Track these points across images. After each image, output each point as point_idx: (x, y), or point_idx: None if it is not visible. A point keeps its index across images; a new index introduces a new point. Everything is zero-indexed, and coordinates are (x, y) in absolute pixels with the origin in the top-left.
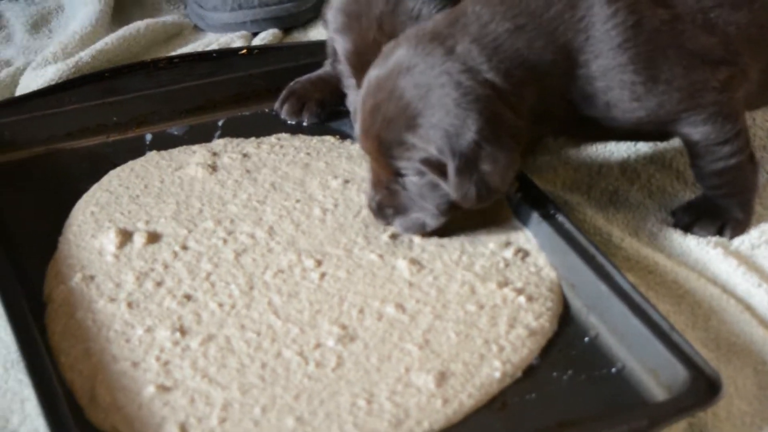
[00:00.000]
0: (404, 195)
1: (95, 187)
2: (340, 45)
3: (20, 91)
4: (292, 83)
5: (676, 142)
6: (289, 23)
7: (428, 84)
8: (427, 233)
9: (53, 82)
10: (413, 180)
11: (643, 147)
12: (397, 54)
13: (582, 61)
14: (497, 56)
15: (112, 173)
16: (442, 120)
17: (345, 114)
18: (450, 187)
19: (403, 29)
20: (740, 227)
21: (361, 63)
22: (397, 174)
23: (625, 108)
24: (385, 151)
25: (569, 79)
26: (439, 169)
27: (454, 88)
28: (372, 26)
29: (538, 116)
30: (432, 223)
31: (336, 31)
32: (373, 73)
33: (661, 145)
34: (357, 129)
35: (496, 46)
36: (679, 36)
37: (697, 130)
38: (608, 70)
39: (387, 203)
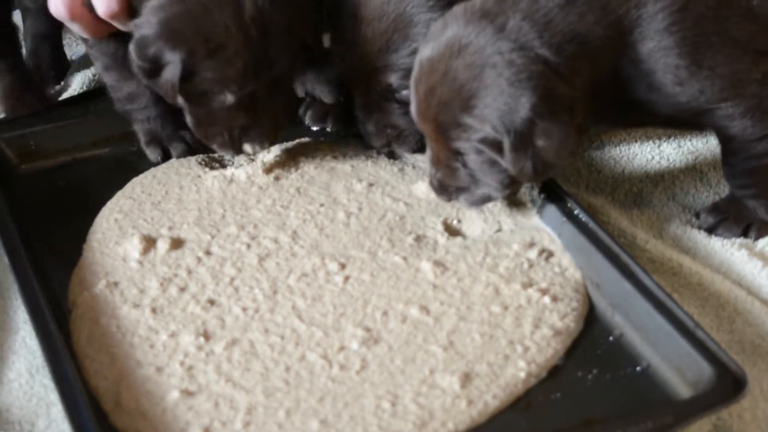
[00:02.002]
0: (464, 172)
1: (119, 194)
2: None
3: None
4: None
5: (699, 144)
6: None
7: (481, 64)
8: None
9: (77, 92)
10: (473, 158)
11: (667, 149)
12: (447, 34)
13: (630, 42)
14: (549, 31)
15: (135, 180)
16: (496, 100)
17: None
18: (507, 163)
19: (373, 15)
20: (765, 229)
21: (339, 53)
22: (457, 153)
23: (667, 93)
24: (442, 133)
25: (617, 58)
26: (497, 147)
27: (507, 67)
28: (348, 14)
29: (589, 94)
30: (497, 195)
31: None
32: (425, 54)
33: (685, 147)
34: (412, 111)
35: (548, 21)
36: (723, 22)
37: (734, 124)
38: (654, 53)
39: (448, 180)
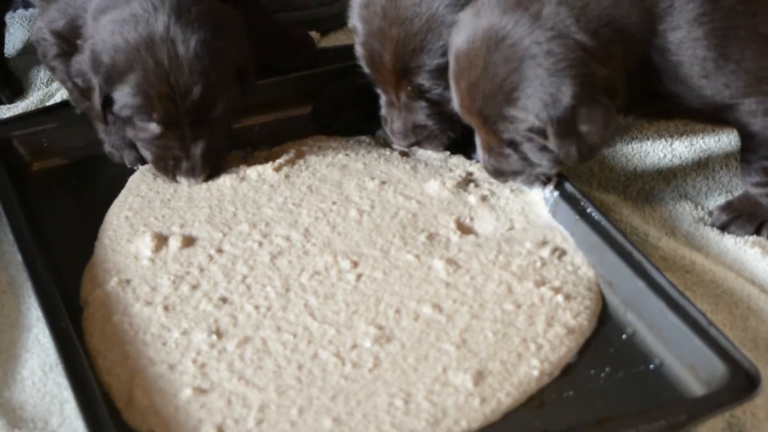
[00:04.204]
0: (516, 157)
1: (124, 192)
2: (357, 36)
3: (58, 99)
4: (326, 89)
5: (711, 142)
6: (327, 25)
7: (520, 57)
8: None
9: None
10: (523, 145)
11: (679, 147)
12: (482, 25)
13: (660, 30)
14: (585, 16)
15: (135, 177)
16: (537, 90)
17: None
18: (553, 148)
19: (405, 15)
20: None
21: (368, 52)
22: (507, 142)
23: (693, 85)
24: (490, 125)
25: (649, 47)
26: (544, 134)
27: (545, 57)
28: (377, 13)
29: (625, 80)
30: (551, 172)
31: (353, 21)
32: (461, 47)
33: (697, 146)
34: (456, 105)
35: (583, 6)
36: (752, 18)
37: (755, 121)
38: (683, 43)
39: (502, 165)
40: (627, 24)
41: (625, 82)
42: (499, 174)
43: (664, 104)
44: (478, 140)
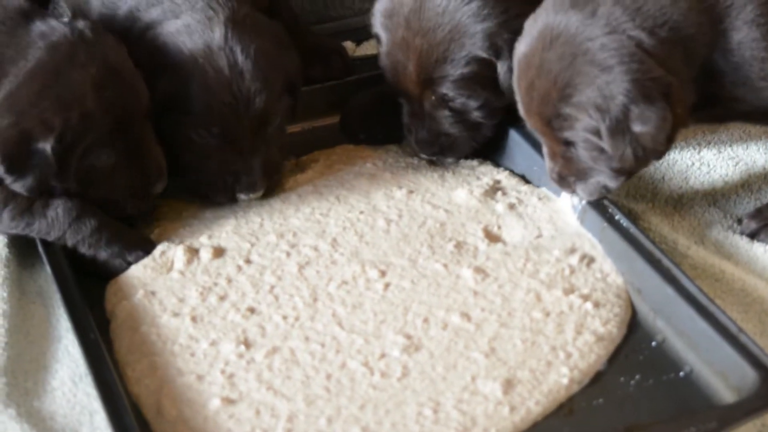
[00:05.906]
0: (579, 161)
1: None
2: (380, 46)
3: None
4: (354, 98)
5: (740, 150)
6: (363, 35)
7: (573, 53)
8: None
9: None
10: (582, 146)
11: (707, 155)
12: (538, 27)
13: (721, 30)
14: (641, 15)
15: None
16: (590, 86)
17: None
18: (608, 149)
19: (428, 26)
20: None
21: (391, 63)
22: (567, 143)
23: (752, 87)
24: (548, 125)
25: (709, 49)
26: (598, 134)
27: (599, 53)
28: (401, 24)
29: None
30: (612, 184)
31: (376, 30)
32: (520, 50)
33: (725, 153)
34: (520, 108)
35: (639, 6)
36: None
37: None
38: (742, 44)
39: (566, 172)
40: (686, 25)
41: (689, 89)
42: (563, 181)
43: (723, 108)
44: (545, 149)
